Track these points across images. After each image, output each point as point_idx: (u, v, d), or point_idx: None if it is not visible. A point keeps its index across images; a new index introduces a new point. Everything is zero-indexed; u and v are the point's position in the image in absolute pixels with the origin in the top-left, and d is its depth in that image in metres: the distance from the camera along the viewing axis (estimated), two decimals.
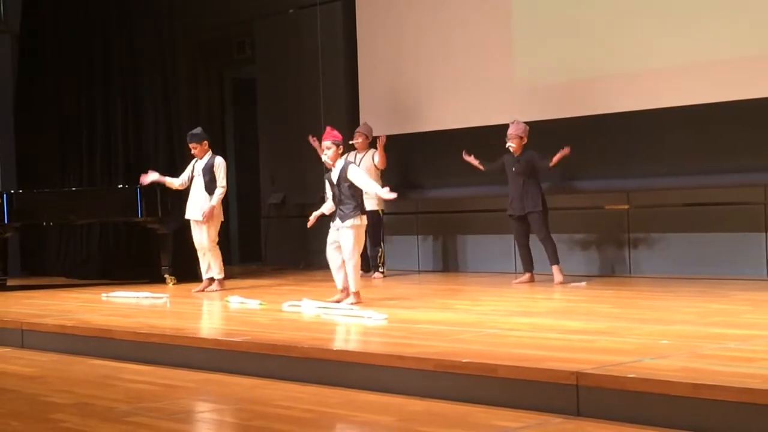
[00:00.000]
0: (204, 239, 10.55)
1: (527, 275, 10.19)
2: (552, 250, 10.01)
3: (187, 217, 10.71)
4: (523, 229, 10.22)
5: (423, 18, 12.07)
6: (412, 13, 12.20)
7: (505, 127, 10.25)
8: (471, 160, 10.57)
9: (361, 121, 12.21)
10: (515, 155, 10.14)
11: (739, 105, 9.59)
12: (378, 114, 12.39)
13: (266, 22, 14.18)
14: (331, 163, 8.57)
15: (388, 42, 12.42)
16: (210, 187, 10.52)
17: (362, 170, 8.88)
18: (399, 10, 12.35)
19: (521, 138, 10.10)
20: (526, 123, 10.24)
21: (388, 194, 8.48)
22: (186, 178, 10.71)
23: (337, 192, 8.56)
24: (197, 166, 10.64)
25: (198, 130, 10.78)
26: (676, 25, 10.04)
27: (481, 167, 10.54)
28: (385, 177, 11.45)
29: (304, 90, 13.45)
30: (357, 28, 12.79)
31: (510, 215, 10.26)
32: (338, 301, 8.47)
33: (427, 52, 12.00)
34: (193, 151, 10.63)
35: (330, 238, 8.62)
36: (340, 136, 8.75)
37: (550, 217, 10.16)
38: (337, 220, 8.53)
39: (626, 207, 10.68)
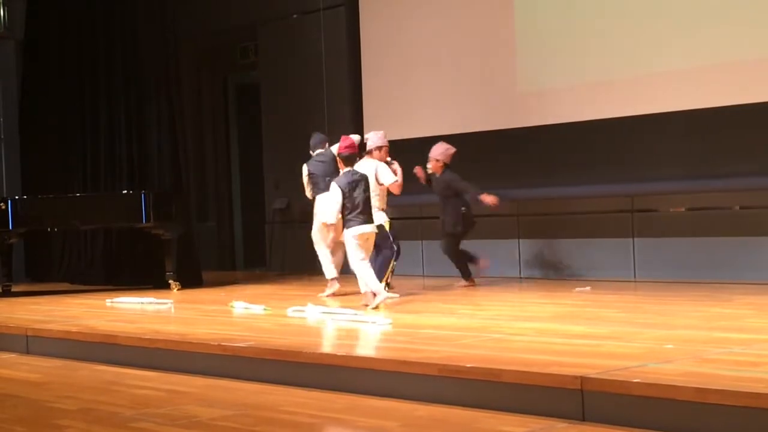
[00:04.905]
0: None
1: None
2: (461, 267, 10.36)
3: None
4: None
5: (426, 23, 12.07)
6: (415, 18, 12.21)
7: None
8: (419, 172, 10.50)
9: (365, 127, 12.17)
10: (437, 175, 10.33)
11: (744, 109, 9.59)
12: (381, 118, 12.39)
13: (270, 27, 14.19)
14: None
15: (392, 46, 12.42)
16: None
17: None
18: (402, 14, 12.36)
19: (437, 160, 10.25)
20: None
21: (332, 219, 8.50)
22: None
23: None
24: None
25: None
26: (679, 29, 10.04)
27: (422, 179, 10.54)
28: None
29: (307, 95, 13.45)
30: (360, 32, 12.79)
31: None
32: (366, 305, 8.46)
33: (430, 57, 12.01)
34: None
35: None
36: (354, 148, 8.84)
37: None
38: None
39: (630, 211, 10.68)
